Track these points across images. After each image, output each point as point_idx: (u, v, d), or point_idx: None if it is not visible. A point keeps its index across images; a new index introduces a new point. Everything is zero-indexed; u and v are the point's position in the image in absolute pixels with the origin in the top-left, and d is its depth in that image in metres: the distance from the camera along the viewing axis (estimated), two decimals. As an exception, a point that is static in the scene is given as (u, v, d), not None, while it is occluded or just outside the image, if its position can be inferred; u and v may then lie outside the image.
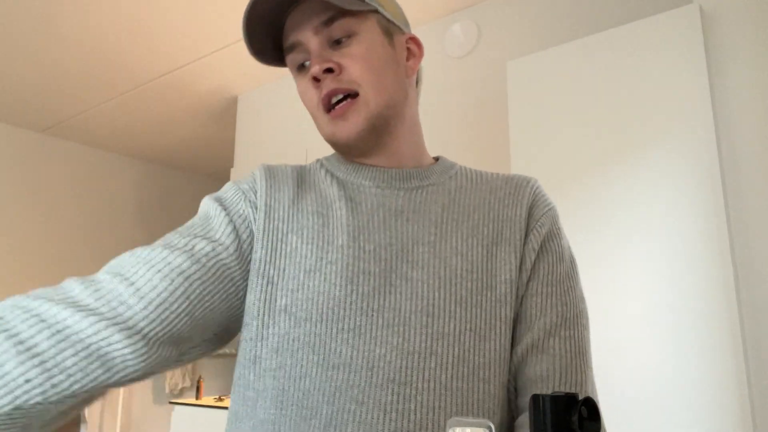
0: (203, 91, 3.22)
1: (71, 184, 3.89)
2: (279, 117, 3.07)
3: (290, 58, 0.74)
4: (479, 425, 0.40)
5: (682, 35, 1.63)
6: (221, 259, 0.69)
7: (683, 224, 1.54)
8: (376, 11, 0.74)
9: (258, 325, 0.70)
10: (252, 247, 0.73)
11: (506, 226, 0.74)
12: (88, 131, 3.76)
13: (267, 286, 0.71)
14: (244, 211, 0.73)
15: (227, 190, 0.76)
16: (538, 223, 0.75)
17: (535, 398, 0.42)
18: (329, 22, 0.71)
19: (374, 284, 0.69)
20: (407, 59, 0.79)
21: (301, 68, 0.74)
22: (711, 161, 1.53)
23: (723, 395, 1.41)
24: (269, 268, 0.71)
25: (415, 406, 0.65)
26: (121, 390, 3.87)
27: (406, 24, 0.81)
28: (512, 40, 2.30)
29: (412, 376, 0.66)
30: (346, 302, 0.68)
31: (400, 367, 0.66)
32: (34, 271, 3.62)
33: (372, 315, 0.68)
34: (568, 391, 0.66)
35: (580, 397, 0.65)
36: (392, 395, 0.65)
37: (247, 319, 0.72)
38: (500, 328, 0.70)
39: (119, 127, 3.68)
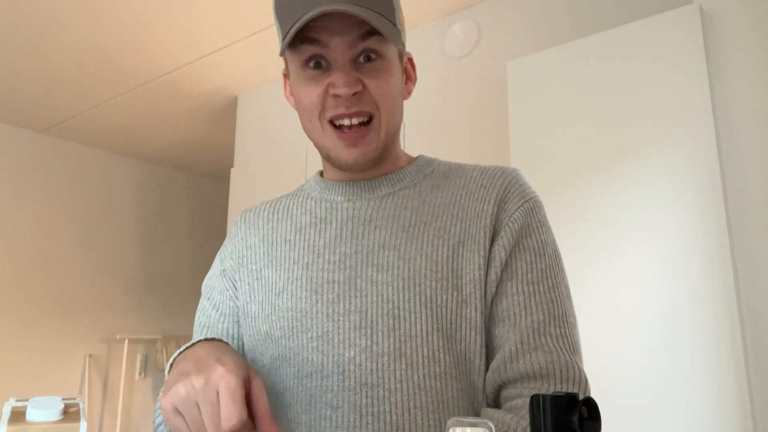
0: (203, 91, 3.22)
1: (71, 184, 3.89)
2: (279, 117, 3.07)
3: (303, 48, 0.69)
4: (479, 425, 0.40)
5: (682, 35, 1.63)
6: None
7: (683, 224, 1.54)
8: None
9: (256, 357, 0.75)
10: (235, 313, 0.79)
11: (473, 223, 0.72)
12: (88, 131, 3.76)
13: (252, 321, 0.75)
14: (221, 285, 0.81)
15: (212, 268, 0.85)
16: (511, 219, 0.72)
17: (535, 398, 0.42)
18: (367, 36, 0.67)
19: (339, 291, 0.70)
20: (405, 82, 0.78)
21: (310, 63, 0.70)
22: (711, 161, 1.53)
23: (723, 395, 1.41)
24: (251, 306, 0.76)
25: (390, 408, 0.65)
26: (121, 389, 3.87)
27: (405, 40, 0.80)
28: (512, 40, 2.30)
29: (383, 378, 0.66)
30: (312, 311, 0.70)
31: (371, 370, 0.66)
32: (33, 271, 3.62)
33: (338, 320, 0.69)
34: (571, 389, 0.65)
35: (581, 395, 0.65)
36: (366, 398, 0.66)
37: (248, 355, 0.77)
38: (466, 329, 0.68)
39: (119, 127, 3.68)
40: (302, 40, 0.68)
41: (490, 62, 2.34)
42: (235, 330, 0.79)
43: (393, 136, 0.75)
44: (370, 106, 0.70)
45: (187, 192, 4.59)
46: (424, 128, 2.47)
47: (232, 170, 3.22)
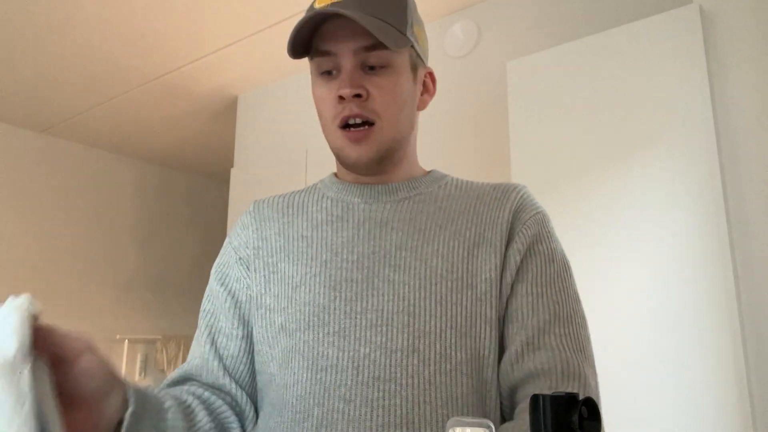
0: (203, 91, 3.22)
1: (71, 184, 3.89)
2: (279, 117, 3.07)
3: (318, 60, 0.77)
4: (479, 425, 0.40)
5: (682, 35, 1.63)
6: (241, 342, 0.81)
7: (683, 224, 1.54)
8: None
9: (265, 349, 0.77)
10: (249, 302, 0.80)
11: (488, 228, 0.76)
12: (88, 131, 3.75)
13: (266, 313, 0.77)
14: (238, 273, 0.82)
15: (223, 255, 0.86)
16: (525, 226, 0.76)
17: (535, 398, 0.42)
18: (371, 48, 0.73)
19: (357, 289, 0.73)
20: (422, 93, 0.82)
21: (325, 74, 0.77)
22: (711, 161, 1.53)
23: (723, 395, 1.41)
24: (266, 298, 0.78)
25: (401, 402, 0.68)
26: (121, 390, 3.87)
27: (427, 57, 0.83)
28: (512, 40, 2.30)
29: (396, 373, 0.69)
30: (330, 307, 0.72)
31: (385, 365, 0.69)
32: (33, 271, 3.62)
33: (356, 317, 0.71)
34: (570, 384, 0.67)
35: (584, 394, 0.66)
36: (378, 392, 0.68)
37: (257, 347, 0.78)
38: (481, 325, 0.72)
39: (119, 127, 3.68)
40: (316, 52, 0.75)
41: (490, 62, 2.34)
42: (247, 318, 0.81)
43: (400, 142, 0.79)
44: (372, 114, 0.74)
45: (187, 192, 4.59)
46: (424, 128, 2.46)
47: (232, 170, 3.22)
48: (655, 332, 1.54)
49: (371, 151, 0.75)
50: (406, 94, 0.77)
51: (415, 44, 0.77)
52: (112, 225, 4.07)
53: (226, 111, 3.45)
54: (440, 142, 2.40)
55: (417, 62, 0.79)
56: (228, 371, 0.79)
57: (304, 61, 0.77)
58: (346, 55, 0.73)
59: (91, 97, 3.26)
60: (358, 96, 0.73)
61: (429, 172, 0.86)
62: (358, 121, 0.74)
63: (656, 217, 1.59)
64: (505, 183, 0.83)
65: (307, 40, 0.75)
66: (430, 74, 0.84)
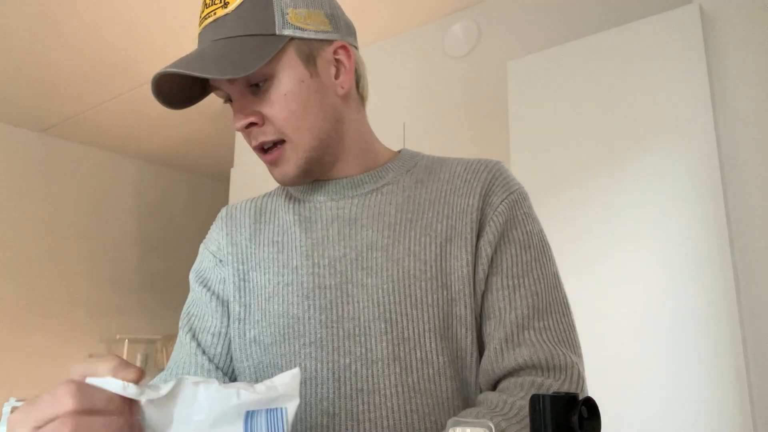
0: (203, 91, 3.22)
1: (71, 184, 3.89)
2: (279, 117, 3.07)
3: (215, 93, 0.74)
4: (479, 425, 0.40)
5: (682, 35, 1.63)
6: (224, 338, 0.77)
7: (683, 224, 1.54)
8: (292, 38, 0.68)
9: (236, 362, 0.74)
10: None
11: (459, 219, 0.71)
12: (88, 131, 3.76)
13: (239, 324, 0.74)
14: (219, 274, 0.78)
15: (202, 261, 0.82)
16: (496, 212, 0.71)
17: (535, 398, 0.42)
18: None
19: (331, 297, 0.69)
20: (336, 76, 0.73)
21: (228, 103, 0.74)
22: (711, 161, 1.53)
23: (723, 395, 1.41)
24: (239, 309, 0.75)
25: (387, 413, 0.65)
26: (121, 390, 3.87)
27: (336, 25, 0.73)
28: (512, 40, 2.30)
29: (379, 384, 0.66)
30: (304, 318, 0.69)
31: (366, 377, 0.66)
32: (33, 271, 3.62)
33: (332, 326, 0.68)
34: (557, 376, 0.65)
35: (573, 385, 0.65)
36: (363, 404, 0.66)
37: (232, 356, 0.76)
38: (457, 326, 0.68)
39: (119, 127, 3.68)
40: (210, 87, 0.73)
41: (490, 62, 2.34)
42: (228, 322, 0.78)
43: (322, 144, 0.72)
44: (276, 134, 0.69)
45: (187, 192, 4.59)
46: (424, 128, 2.47)
47: (232, 170, 3.22)
48: (655, 332, 1.54)
49: (291, 168, 0.71)
50: (306, 94, 0.69)
51: (297, 33, 0.68)
52: (112, 225, 4.07)
53: (226, 111, 3.45)
54: (440, 141, 2.40)
55: (312, 49, 0.70)
56: (220, 369, 0.74)
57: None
58: (226, 86, 0.69)
59: (91, 97, 3.26)
60: (253, 124, 0.69)
61: (398, 153, 0.80)
62: (270, 144, 0.70)
63: (656, 217, 1.59)
64: (476, 160, 0.76)
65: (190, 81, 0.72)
66: (342, 47, 0.73)
